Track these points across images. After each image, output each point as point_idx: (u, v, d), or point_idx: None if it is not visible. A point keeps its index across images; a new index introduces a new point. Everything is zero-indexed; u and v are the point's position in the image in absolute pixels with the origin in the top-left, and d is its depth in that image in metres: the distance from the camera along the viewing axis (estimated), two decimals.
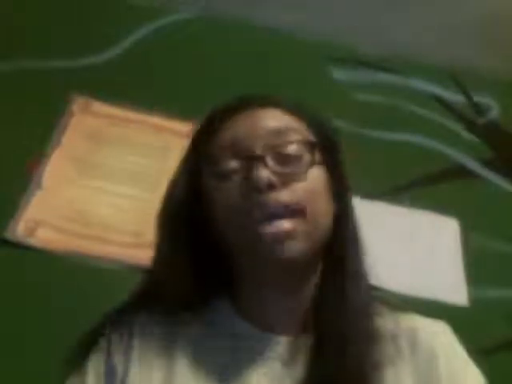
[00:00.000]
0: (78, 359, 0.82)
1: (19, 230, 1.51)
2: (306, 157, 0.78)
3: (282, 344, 0.78)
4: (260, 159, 0.76)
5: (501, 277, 1.78)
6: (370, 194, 1.79)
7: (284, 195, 0.75)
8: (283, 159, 0.77)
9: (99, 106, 1.78)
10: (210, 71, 1.93)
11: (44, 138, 1.68)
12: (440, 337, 0.82)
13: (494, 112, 2.12)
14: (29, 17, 1.90)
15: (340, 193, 0.83)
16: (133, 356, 0.79)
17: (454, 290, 1.71)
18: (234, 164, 0.77)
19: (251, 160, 0.76)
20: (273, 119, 0.80)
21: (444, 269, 1.76)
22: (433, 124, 2.04)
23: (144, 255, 1.52)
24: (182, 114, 1.78)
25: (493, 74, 2.10)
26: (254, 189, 0.74)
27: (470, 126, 2.07)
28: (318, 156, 0.80)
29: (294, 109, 0.83)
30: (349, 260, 0.81)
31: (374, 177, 1.79)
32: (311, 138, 0.81)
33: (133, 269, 1.49)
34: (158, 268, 0.83)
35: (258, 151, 0.77)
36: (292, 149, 0.78)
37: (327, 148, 0.83)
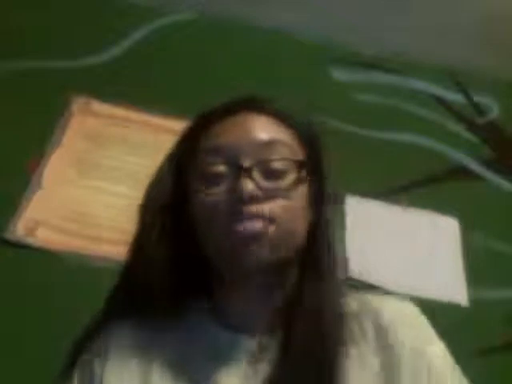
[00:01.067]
0: (65, 375, 0.84)
1: (19, 229, 1.51)
2: (292, 174, 0.80)
3: (252, 344, 0.79)
4: (247, 171, 0.77)
5: (501, 277, 1.78)
6: (370, 194, 1.79)
7: (264, 208, 0.77)
8: (269, 174, 0.79)
9: (99, 106, 1.78)
10: (209, 71, 1.93)
11: (44, 138, 1.69)
12: (403, 314, 0.83)
13: (494, 112, 2.12)
14: (29, 17, 1.90)
15: (319, 203, 0.85)
16: (107, 368, 0.80)
17: (454, 290, 1.71)
18: (221, 169, 0.79)
19: (239, 170, 0.78)
20: (263, 130, 0.81)
21: (444, 269, 1.76)
22: (433, 124, 2.04)
23: None
24: (181, 113, 1.78)
25: (493, 74, 2.10)
26: (237, 199, 0.76)
27: (470, 126, 2.07)
28: (303, 173, 0.81)
29: (285, 117, 0.84)
30: (321, 264, 0.82)
31: (374, 177, 1.80)
32: (299, 154, 0.83)
33: None
34: (136, 269, 0.85)
35: (246, 163, 0.78)
36: (279, 164, 0.80)
37: (313, 161, 0.84)
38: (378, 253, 1.70)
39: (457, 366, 0.81)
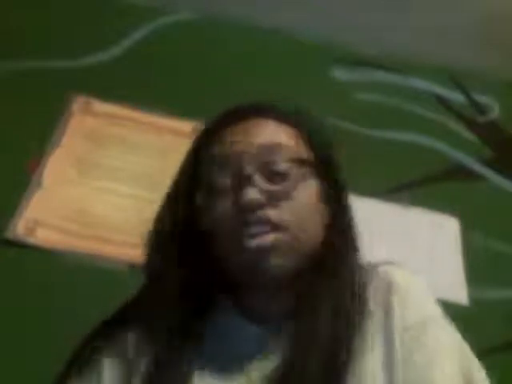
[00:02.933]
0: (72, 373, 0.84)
1: (19, 229, 1.51)
2: (295, 174, 0.79)
3: (273, 334, 0.80)
4: (248, 178, 0.77)
5: (501, 277, 1.78)
6: (370, 193, 1.79)
7: (270, 213, 0.77)
8: (272, 176, 0.79)
9: (99, 106, 1.78)
10: (209, 71, 1.93)
11: (44, 137, 1.69)
12: (398, 281, 0.82)
13: (495, 112, 2.12)
14: (29, 17, 1.90)
15: (333, 202, 0.84)
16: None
17: (454, 290, 1.71)
18: (224, 181, 0.79)
19: (240, 179, 0.77)
20: (265, 134, 0.81)
21: (444, 268, 1.76)
22: (433, 123, 2.04)
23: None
24: (181, 113, 1.79)
25: (493, 73, 2.10)
26: (241, 209, 0.76)
27: (471, 125, 2.07)
28: (307, 172, 0.81)
29: (289, 119, 0.84)
30: (339, 267, 0.82)
31: (374, 176, 1.79)
32: (302, 153, 0.82)
33: (132, 268, 1.49)
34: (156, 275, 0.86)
35: (247, 170, 0.78)
36: (281, 166, 0.79)
37: (322, 159, 0.84)
38: (378, 252, 1.70)
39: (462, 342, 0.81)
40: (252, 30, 2.00)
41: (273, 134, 0.81)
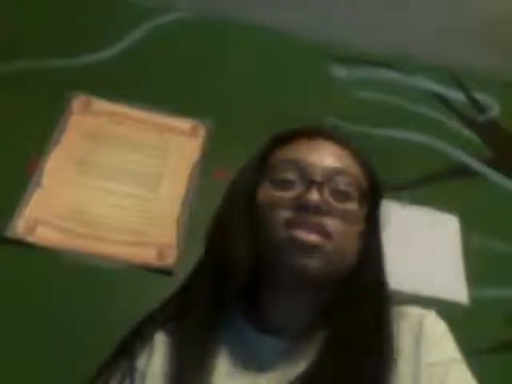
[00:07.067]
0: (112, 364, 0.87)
1: (19, 228, 1.51)
2: (356, 203, 0.86)
3: (288, 346, 0.82)
4: (318, 185, 0.83)
5: (501, 276, 1.77)
6: None
7: (325, 222, 0.82)
8: (336, 194, 0.85)
9: (99, 105, 1.78)
10: (210, 70, 1.93)
11: (44, 137, 1.68)
12: (438, 331, 0.86)
13: (495, 111, 2.12)
14: (29, 17, 1.90)
15: (371, 231, 0.89)
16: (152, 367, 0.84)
17: (454, 289, 1.71)
18: (292, 177, 0.85)
19: (310, 182, 0.83)
20: (338, 158, 0.88)
21: (444, 267, 1.75)
22: (433, 122, 2.04)
23: (144, 254, 1.53)
24: (181, 112, 1.79)
25: (493, 73, 2.10)
26: (302, 206, 0.81)
27: (471, 124, 2.07)
28: (365, 206, 0.87)
29: (349, 147, 0.91)
30: (372, 293, 0.86)
31: None
32: (362, 182, 0.89)
33: (132, 267, 1.49)
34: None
35: (320, 178, 0.84)
36: (347, 189, 0.86)
37: (373, 190, 0.91)
38: None
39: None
40: (252, 30, 2.00)
41: (343, 162, 0.88)
